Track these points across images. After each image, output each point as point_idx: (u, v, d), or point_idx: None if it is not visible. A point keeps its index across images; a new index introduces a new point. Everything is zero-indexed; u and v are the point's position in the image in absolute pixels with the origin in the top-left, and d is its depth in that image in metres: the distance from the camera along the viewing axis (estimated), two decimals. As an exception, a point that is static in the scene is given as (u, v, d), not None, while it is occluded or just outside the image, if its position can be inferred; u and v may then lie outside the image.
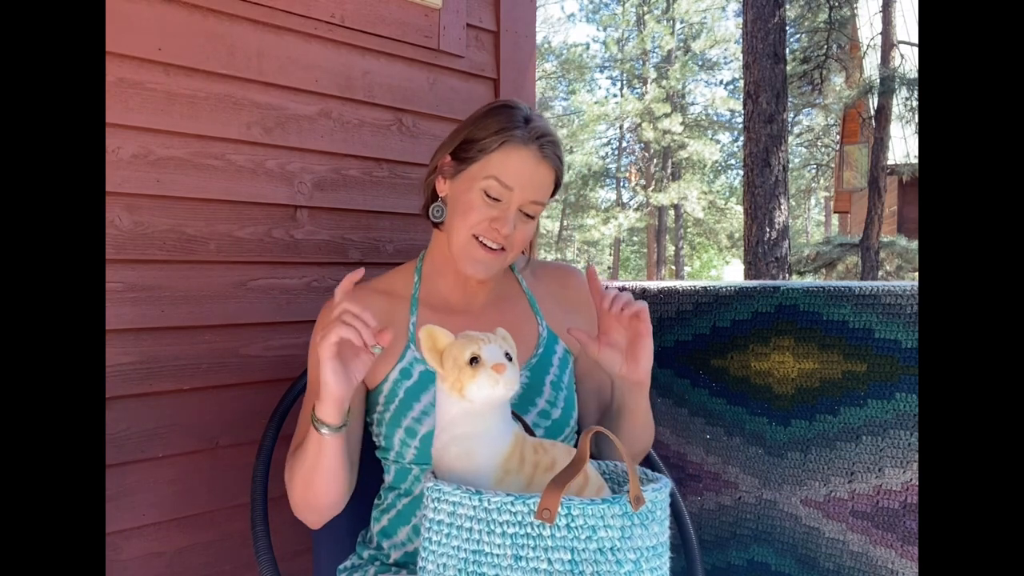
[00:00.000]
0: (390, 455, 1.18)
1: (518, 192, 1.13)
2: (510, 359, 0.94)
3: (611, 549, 0.84)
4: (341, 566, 1.21)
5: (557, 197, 1.25)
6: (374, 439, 1.22)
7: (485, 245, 1.14)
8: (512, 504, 0.84)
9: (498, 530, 0.85)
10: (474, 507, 0.86)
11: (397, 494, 1.18)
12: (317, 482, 1.07)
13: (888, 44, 9.33)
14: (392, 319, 1.18)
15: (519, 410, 1.13)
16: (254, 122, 1.49)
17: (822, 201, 26.11)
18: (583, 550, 0.84)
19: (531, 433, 1.05)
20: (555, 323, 1.26)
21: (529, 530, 0.84)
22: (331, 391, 0.98)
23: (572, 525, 0.84)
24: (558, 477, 0.84)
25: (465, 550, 0.87)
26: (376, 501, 1.22)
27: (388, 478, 1.20)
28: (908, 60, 9.29)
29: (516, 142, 1.13)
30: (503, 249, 1.15)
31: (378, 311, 1.15)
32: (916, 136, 9.58)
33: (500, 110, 1.17)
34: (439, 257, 1.24)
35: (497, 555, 0.85)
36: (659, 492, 0.89)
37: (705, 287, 1.56)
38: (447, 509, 0.88)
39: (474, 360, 0.91)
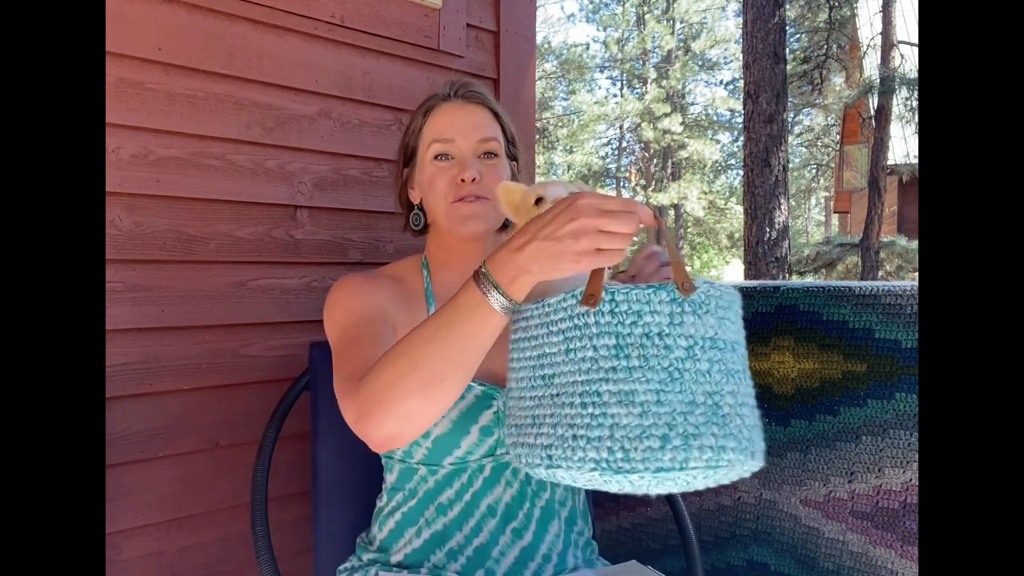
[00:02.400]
0: (396, 453, 1.17)
1: (461, 140, 1.16)
2: None
3: (659, 335, 0.82)
4: (341, 567, 1.21)
5: (515, 140, 1.25)
6: None
7: (464, 200, 1.14)
8: (564, 300, 0.85)
9: (554, 328, 0.86)
10: (538, 315, 0.88)
11: (402, 495, 1.17)
12: (468, 361, 0.88)
13: (888, 44, 9.33)
14: (410, 309, 1.17)
15: None
16: (254, 122, 1.49)
17: (822, 201, 26.11)
18: (628, 335, 0.82)
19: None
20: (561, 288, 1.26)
21: (577, 321, 0.84)
22: (551, 271, 0.83)
23: (616, 311, 0.82)
24: (596, 272, 0.82)
25: (532, 357, 0.88)
26: (378, 503, 1.22)
27: (391, 478, 1.19)
28: (908, 60, 9.29)
29: (436, 102, 1.18)
30: (483, 197, 1.15)
31: (395, 297, 1.16)
32: (916, 136, 9.59)
33: (422, 101, 1.22)
34: (440, 252, 1.24)
35: (553, 353, 0.85)
36: (715, 288, 0.85)
37: (705, 287, 1.56)
38: (522, 325, 0.90)
39: (539, 200, 0.98)
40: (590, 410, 0.82)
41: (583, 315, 0.83)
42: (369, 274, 1.20)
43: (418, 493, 1.15)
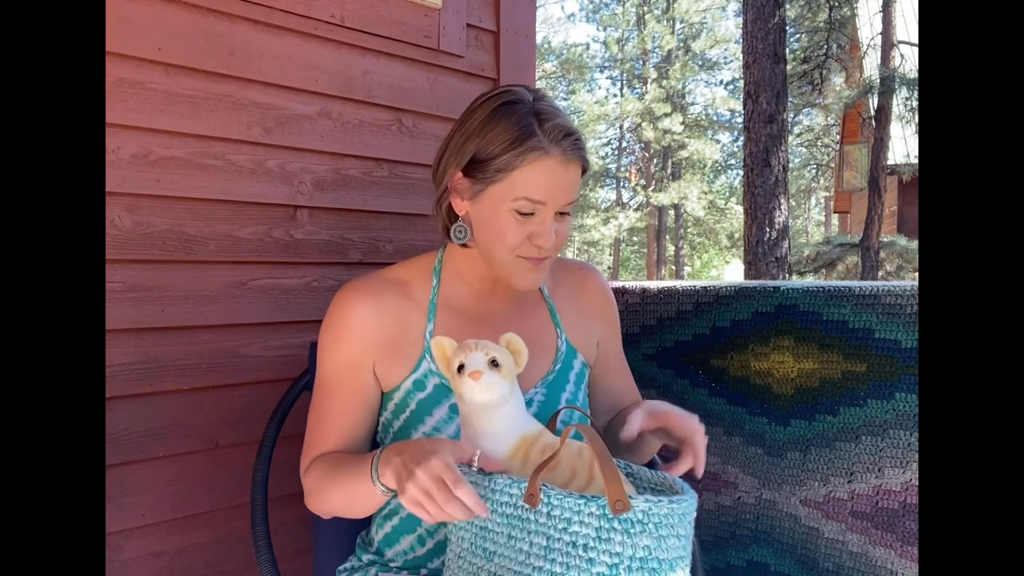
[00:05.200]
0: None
1: (551, 203, 1.06)
2: (496, 364, 0.96)
3: (584, 546, 0.86)
4: (340, 567, 1.21)
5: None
6: (379, 442, 1.20)
7: (529, 258, 1.08)
8: (510, 486, 0.92)
9: (499, 509, 0.93)
10: (483, 487, 0.93)
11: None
12: (358, 510, 1.08)
13: (888, 44, 9.33)
14: (407, 321, 1.14)
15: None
16: (254, 122, 1.49)
17: (822, 201, 26.11)
18: (557, 539, 0.88)
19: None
20: (574, 332, 1.22)
21: (520, 512, 0.91)
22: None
23: (551, 514, 0.88)
24: (539, 466, 0.89)
25: (476, 525, 0.96)
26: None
27: None
28: (908, 60, 9.29)
29: (536, 153, 1.03)
30: (547, 257, 1.10)
31: (393, 307, 1.14)
32: (916, 136, 9.59)
33: (504, 113, 1.05)
34: (463, 265, 1.17)
35: (496, 532, 0.93)
36: (658, 505, 0.86)
37: (705, 287, 1.56)
38: (481, 484, 0.94)
39: (461, 368, 0.97)
40: None
41: (525, 508, 0.90)
42: (374, 285, 1.15)
43: None
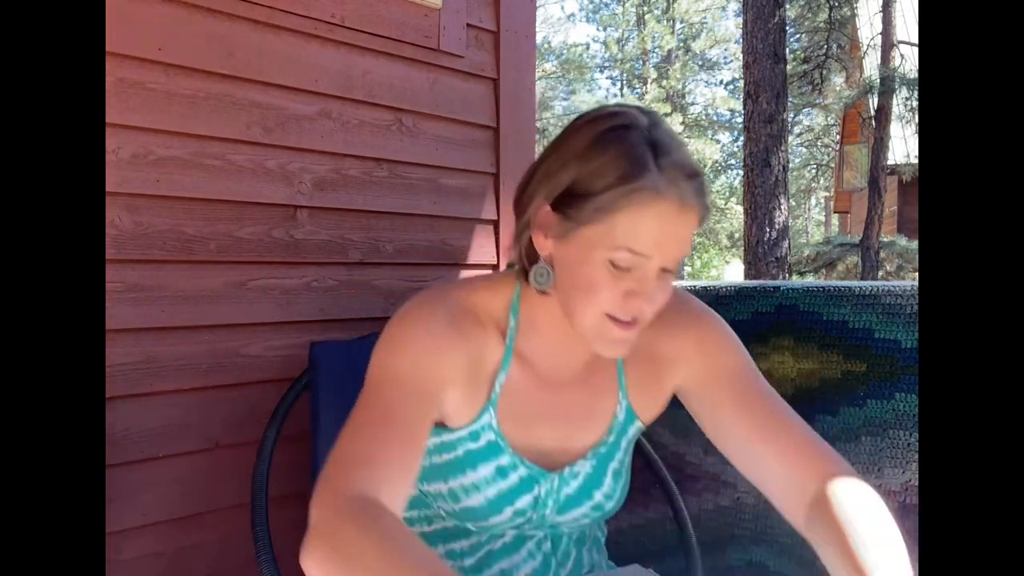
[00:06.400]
0: (413, 491, 1.06)
1: (658, 257, 0.86)
2: None
3: None
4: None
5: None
6: None
7: (620, 320, 0.89)
8: None
9: None
10: None
11: (414, 514, 1.07)
12: None
13: (888, 44, 9.33)
14: (480, 361, 0.97)
15: (573, 503, 1.01)
16: (254, 122, 1.49)
17: (822, 201, 26.09)
18: None
19: None
20: (640, 395, 1.04)
21: None
22: None
23: None
24: None
25: None
26: None
27: None
28: (908, 60, 9.29)
29: (648, 195, 0.83)
30: (639, 322, 0.90)
31: (475, 342, 0.96)
32: (916, 136, 9.59)
33: (612, 140, 0.86)
34: (541, 314, 0.98)
35: None
36: None
37: (705, 287, 1.56)
38: None
39: None
40: None
41: None
42: (451, 316, 0.95)
43: (432, 523, 1.05)
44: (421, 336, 0.92)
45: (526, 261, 0.95)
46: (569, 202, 0.87)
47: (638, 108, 0.91)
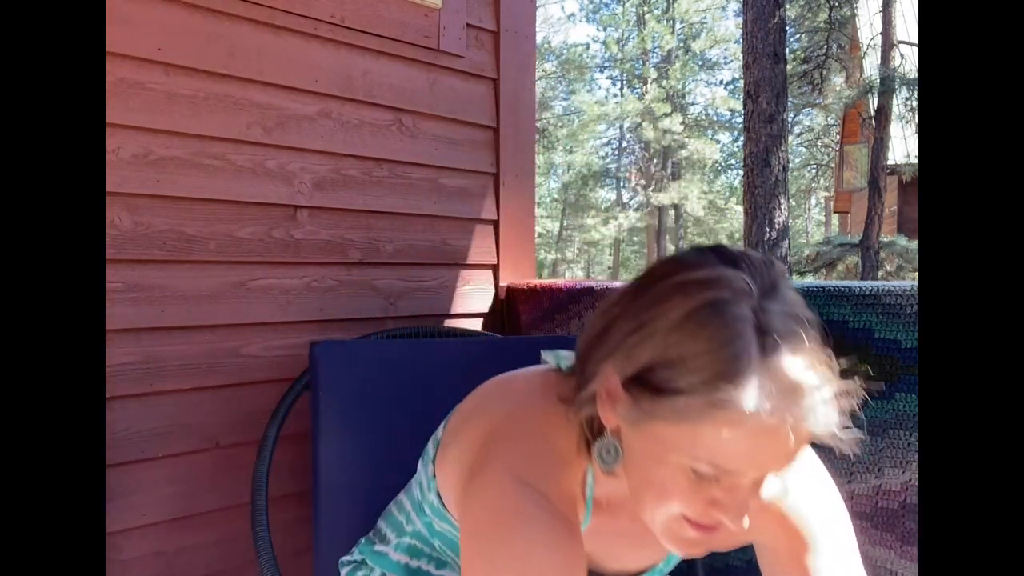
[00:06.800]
0: (426, 549, 1.04)
1: (753, 472, 0.70)
2: None
3: None
4: (343, 559, 1.21)
5: None
6: (425, 531, 1.02)
7: (699, 524, 0.73)
8: None
9: None
10: None
11: (419, 545, 1.04)
12: None
13: (888, 44, 9.33)
14: None
15: None
16: (254, 122, 1.49)
17: (822, 201, 26.10)
18: None
19: None
20: None
21: None
22: None
23: None
24: None
25: None
26: (383, 527, 1.14)
27: (412, 524, 1.05)
28: (908, 60, 9.30)
29: (741, 407, 0.65)
30: (721, 529, 0.74)
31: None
32: (916, 136, 9.59)
33: (706, 321, 0.68)
34: (617, 495, 0.86)
35: None
36: None
37: (705, 287, 1.56)
38: None
39: None
40: None
41: None
42: (551, 518, 0.76)
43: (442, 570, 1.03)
44: (540, 553, 0.74)
45: (588, 431, 0.80)
46: (644, 389, 0.70)
47: (746, 259, 0.71)
